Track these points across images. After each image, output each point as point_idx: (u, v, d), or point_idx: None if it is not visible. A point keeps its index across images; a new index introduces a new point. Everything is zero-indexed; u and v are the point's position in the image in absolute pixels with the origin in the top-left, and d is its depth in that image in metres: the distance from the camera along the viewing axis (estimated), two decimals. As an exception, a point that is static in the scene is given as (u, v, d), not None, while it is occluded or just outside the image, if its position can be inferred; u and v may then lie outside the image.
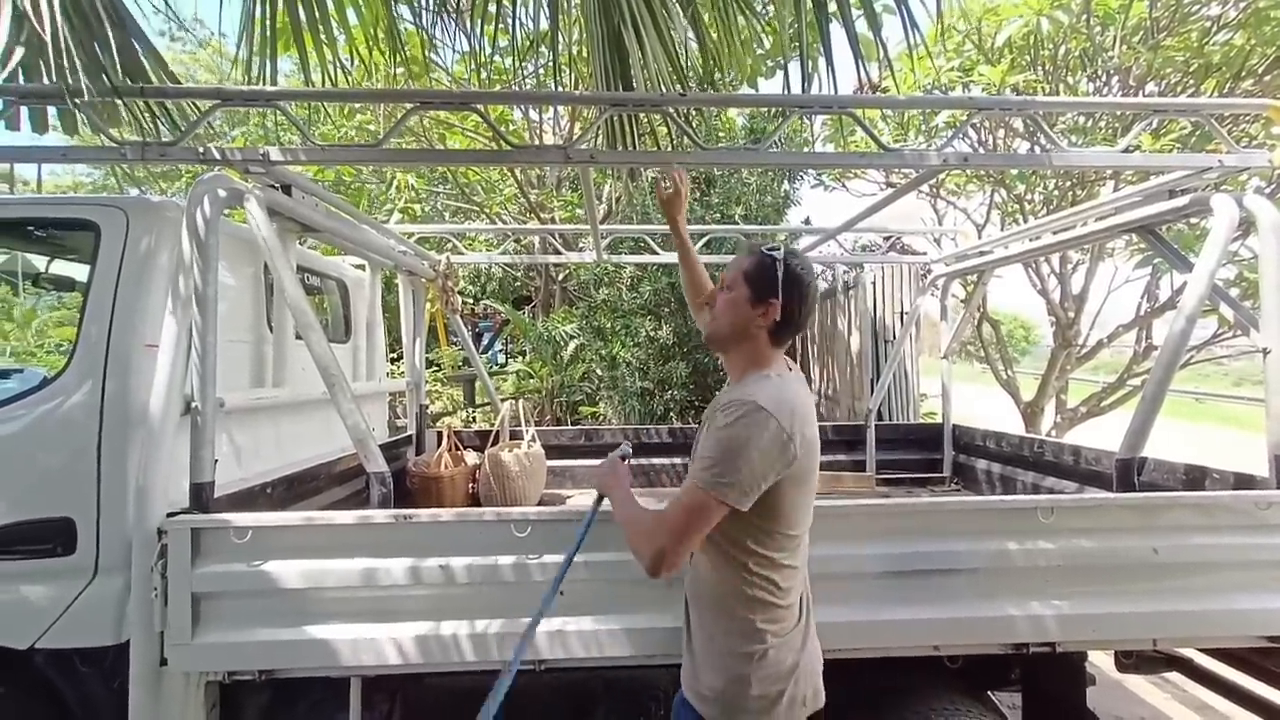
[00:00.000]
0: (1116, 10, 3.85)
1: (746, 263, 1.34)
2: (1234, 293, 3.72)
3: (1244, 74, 3.79)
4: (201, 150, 1.83)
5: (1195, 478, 2.16)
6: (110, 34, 1.62)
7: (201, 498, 1.69)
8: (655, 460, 3.63)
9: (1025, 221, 4.61)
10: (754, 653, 1.21)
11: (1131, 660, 1.94)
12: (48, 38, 1.23)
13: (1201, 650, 1.95)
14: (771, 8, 2.74)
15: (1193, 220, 2.89)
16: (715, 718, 1.23)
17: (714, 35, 2.39)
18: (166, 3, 2.12)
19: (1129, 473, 1.93)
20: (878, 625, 1.68)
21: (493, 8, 2.22)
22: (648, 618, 1.64)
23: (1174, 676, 2.12)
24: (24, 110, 1.85)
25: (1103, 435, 3.26)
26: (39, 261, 2.41)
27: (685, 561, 1.21)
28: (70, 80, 1.61)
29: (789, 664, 1.22)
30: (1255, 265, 3.76)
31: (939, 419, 3.74)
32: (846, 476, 3.57)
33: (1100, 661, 2.09)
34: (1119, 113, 3.88)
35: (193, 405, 1.71)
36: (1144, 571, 1.71)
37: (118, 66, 1.72)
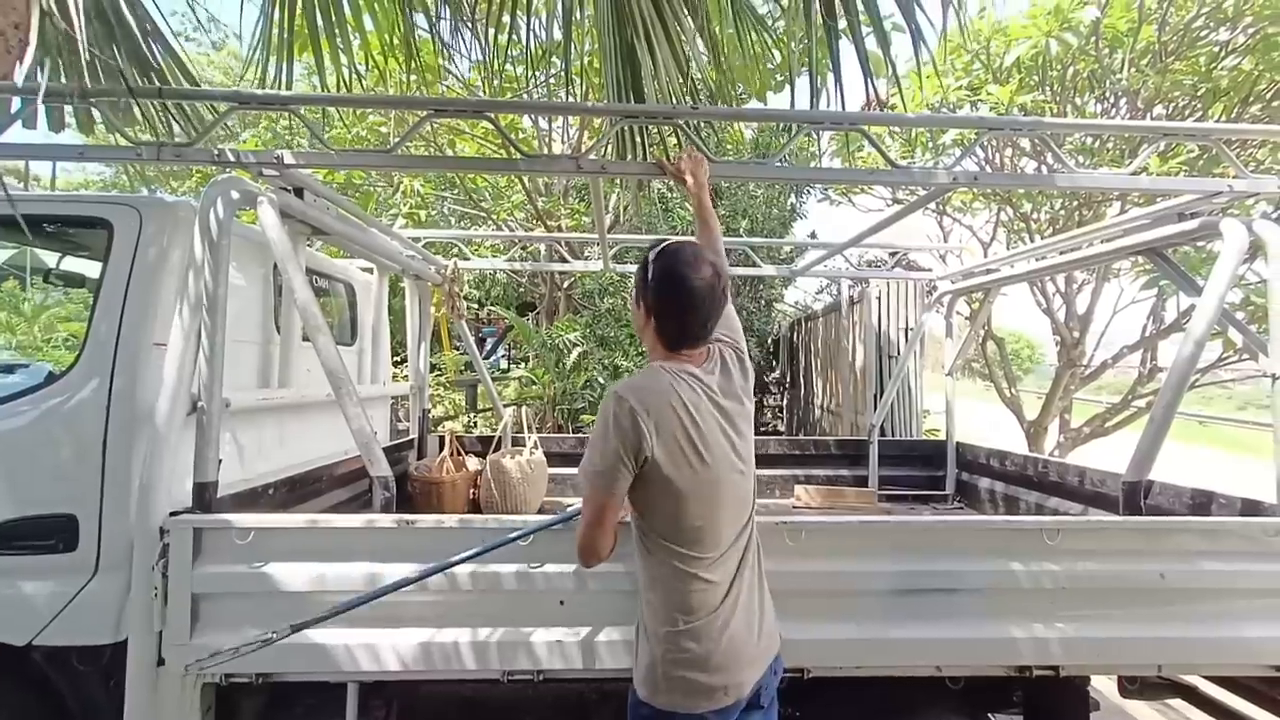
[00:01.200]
0: (1125, 34, 3.87)
1: (637, 269, 1.38)
2: (1240, 316, 3.71)
3: (1251, 99, 3.80)
4: (217, 152, 1.85)
5: (1202, 502, 2.14)
6: (130, 34, 1.64)
7: (204, 497, 1.69)
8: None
9: (1030, 240, 4.61)
10: (663, 634, 1.26)
11: (1135, 686, 1.91)
12: (80, 38, 1.24)
13: (1207, 678, 1.93)
14: (782, 23, 2.76)
15: (1199, 243, 2.89)
16: (645, 697, 1.27)
17: (725, 50, 2.41)
18: (190, 4, 2.15)
19: (1136, 496, 1.92)
20: (878, 643, 1.66)
21: (506, 18, 2.24)
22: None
23: (1178, 704, 2.09)
24: (41, 108, 1.87)
25: (1107, 456, 3.24)
26: (50, 258, 2.42)
27: (605, 551, 1.30)
28: (89, 80, 1.62)
29: (699, 651, 1.23)
30: (1262, 290, 3.77)
31: (941, 435, 3.72)
32: (848, 492, 3.56)
33: (1103, 686, 2.06)
34: (1127, 134, 3.89)
35: (199, 404, 1.71)
36: (1150, 596, 1.69)
37: (134, 67, 1.74)
